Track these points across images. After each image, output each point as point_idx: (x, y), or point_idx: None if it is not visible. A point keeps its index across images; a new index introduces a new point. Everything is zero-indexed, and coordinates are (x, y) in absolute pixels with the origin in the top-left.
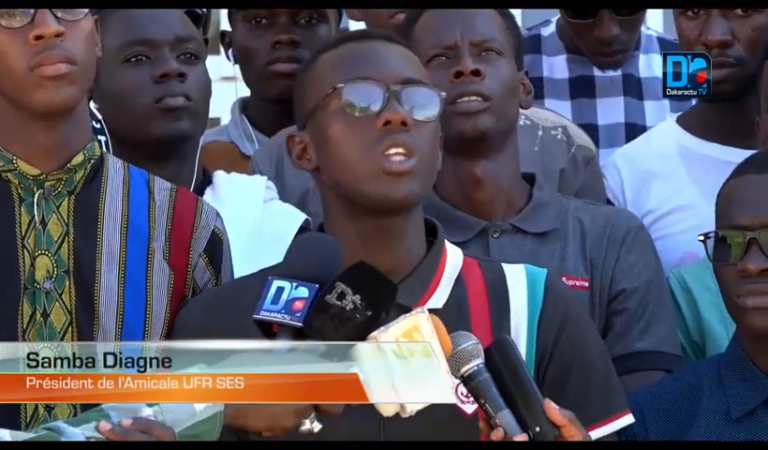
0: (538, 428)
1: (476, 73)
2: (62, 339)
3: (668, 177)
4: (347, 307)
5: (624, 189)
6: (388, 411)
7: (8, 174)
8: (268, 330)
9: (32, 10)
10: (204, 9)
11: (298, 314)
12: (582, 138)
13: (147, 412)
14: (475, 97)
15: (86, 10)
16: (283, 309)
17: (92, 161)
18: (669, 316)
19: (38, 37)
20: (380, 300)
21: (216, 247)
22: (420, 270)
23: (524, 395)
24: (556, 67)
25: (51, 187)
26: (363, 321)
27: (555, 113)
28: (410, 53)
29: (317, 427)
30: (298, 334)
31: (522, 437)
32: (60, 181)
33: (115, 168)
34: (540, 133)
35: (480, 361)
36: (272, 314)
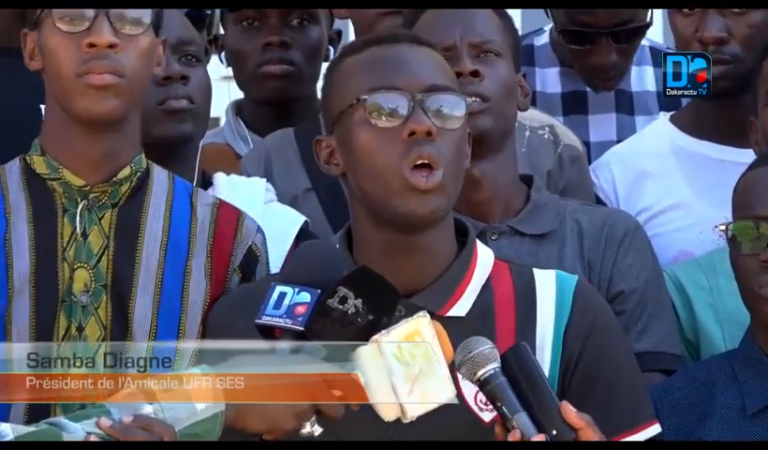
0: (554, 432)
1: (475, 74)
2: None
3: (661, 176)
4: (349, 312)
5: (616, 188)
6: (388, 415)
7: (54, 183)
8: (270, 335)
9: (91, 15)
10: (208, 11)
11: (300, 319)
12: (568, 136)
13: (147, 409)
14: (474, 98)
15: (147, 25)
16: (285, 314)
17: (138, 174)
18: (668, 316)
19: (91, 45)
20: (382, 305)
21: (251, 264)
22: (447, 276)
23: (540, 399)
24: (549, 80)
25: (95, 198)
26: (365, 325)
27: (542, 112)
28: (437, 56)
29: (317, 430)
30: (299, 338)
31: (540, 438)
32: (104, 193)
33: (160, 180)
34: (527, 134)
35: (496, 365)
36: (274, 319)
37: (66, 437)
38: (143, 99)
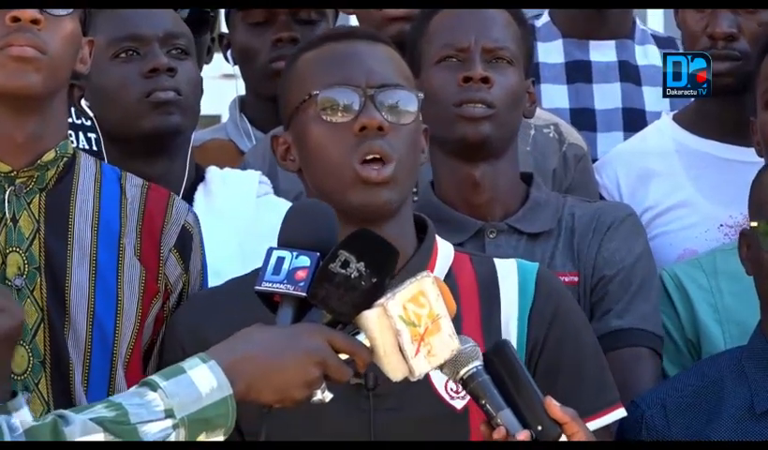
0: (540, 427)
1: (485, 80)
2: (34, 336)
3: (665, 175)
4: (352, 275)
5: (620, 187)
6: (396, 375)
7: None
8: (270, 301)
9: None
10: (212, 11)
11: (301, 284)
12: (573, 135)
13: (152, 395)
14: (480, 105)
15: (71, 10)
16: (285, 280)
17: (64, 159)
18: (653, 297)
19: (15, 19)
20: (384, 266)
21: (186, 242)
22: (409, 267)
23: (524, 395)
24: (552, 51)
25: (22, 183)
26: (368, 288)
27: (547, 111)
28: (392, 53)
29: (328, 396)
30: (301, 303)
31: (524, 434)
32: (31, 178)
33: (87, 165)
34: (533, 132)
35: (478, 362)
36: (274, 285)
37: (67, 430)
38: (65, 84)
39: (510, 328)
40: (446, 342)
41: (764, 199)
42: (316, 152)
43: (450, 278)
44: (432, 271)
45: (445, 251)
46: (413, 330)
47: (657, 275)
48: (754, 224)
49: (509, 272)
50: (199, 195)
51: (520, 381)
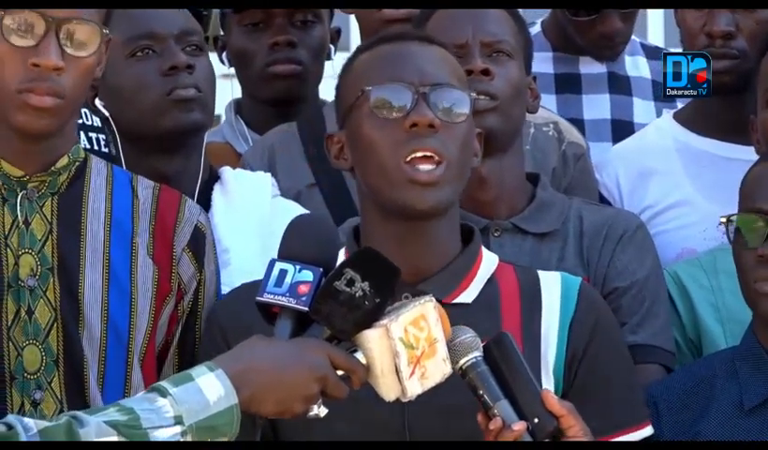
0: (536, 419)
1: (485, 72)
2: (47, 336)
3: (665, 173)
4: (357, 294)
5: (620, 186)
6: (389, 395)
7: None
8: (269, 313)
9: (41, 32)
10: (205, 11)
11: (303, 298)
12: (572, 134)
13: (162, 401)
14: (483, 97)
15: (96, 47)
16: (287, 293)
17: (76, 163)
18: (664, 313)
19: (36, 65)
20: (387, 286)
21: (200, 241)
22: (453, 267)
23: (522, 387)
24: (542, 62)
25: (34, 188)
26: (371, 308)
27: (546, 110)
28: (446, 54)
29: (323, 411)
30: (300, 317)
31: (520, 425)
32: (43, 183)
33: (98, 168)
34: (532, 131)
35: (478, 353)
36: (276, 297)
37: (82, 431)
38: (77, 112)
39: (551, 337)
40: (439, 366)
41: (747, 192)
42: (367, 148)
43: (492, 284)
44: (474, 275)
45: (489, 258)
46: (410, 352)
47: (667, 289)
48: (723, 219)
49: (552, 283)
50: (217, 194)
51: (518, 372)
